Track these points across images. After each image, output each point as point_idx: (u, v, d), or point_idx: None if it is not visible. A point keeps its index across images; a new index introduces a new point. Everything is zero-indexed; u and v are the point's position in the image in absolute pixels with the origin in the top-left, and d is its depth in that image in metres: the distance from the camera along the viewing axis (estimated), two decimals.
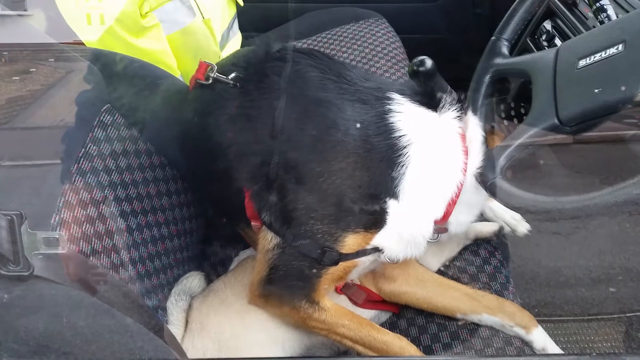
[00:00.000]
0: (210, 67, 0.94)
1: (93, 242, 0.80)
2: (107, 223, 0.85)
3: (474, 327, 0.99)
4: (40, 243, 0.62)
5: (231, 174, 0.88)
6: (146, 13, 1.27)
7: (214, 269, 1.14)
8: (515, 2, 0.99)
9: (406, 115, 0.87)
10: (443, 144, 0.89)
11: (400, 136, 0.85)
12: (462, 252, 1.13)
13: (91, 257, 0.78)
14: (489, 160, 0.83)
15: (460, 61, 1.28)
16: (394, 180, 0.84)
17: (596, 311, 1.36)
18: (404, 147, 0.84)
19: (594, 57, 0.76)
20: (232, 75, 0.91)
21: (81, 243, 0.78)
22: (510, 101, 1.35)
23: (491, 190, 0.81)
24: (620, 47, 0.73)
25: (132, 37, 1.28)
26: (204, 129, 0.94)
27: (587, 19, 1.19)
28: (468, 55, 1.09)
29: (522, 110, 1.24)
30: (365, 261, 0.90)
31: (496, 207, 1.14)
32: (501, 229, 1.11)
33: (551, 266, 1.35)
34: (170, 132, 1.01)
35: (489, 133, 1.00)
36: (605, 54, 0.75)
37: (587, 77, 0.76)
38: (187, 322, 0.94)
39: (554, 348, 0.96)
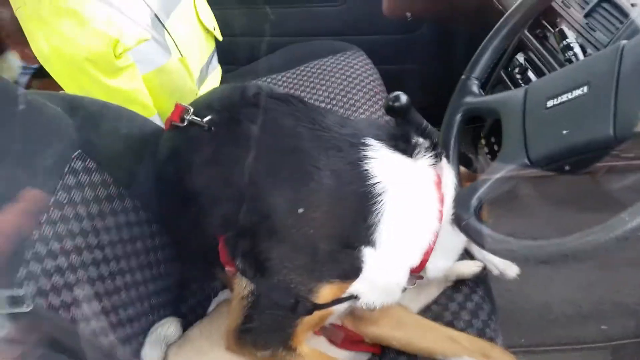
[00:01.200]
0: (185, 109, 0.94)
1: (62, 294, 0.78)
2: (78, 273, 0.83)
3: None
4: (4, 302, 0.60)
5: (204, 219, 0.87)
6: (120, 54, 1.27)
7: (193, 311, 1.11)
8: (485, 41, 1.00)
9: (381, 162, 0.87)
10: (418, 191, 0.89)
11: (374, 183, 0.84)
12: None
13: (60, 311, 0.76)
14: (462, 200, 0.83)
15: (438, 92, 1.29)
16: (368, 228, 0.83)
17: (582, 341, 1.35)
18: (379, 195, 0.84)
19: (561, 98, 0.77)
20: (207, 118, 0.91)
21: (50, 296, 0.76)
22: (483, 137, 1.37)
23: (465, 231, 0.81)
24: (585, 88, 0.74)
25: (106, 77, 1.28)
26: (177, 171, 0.93)
27: (557, 52, 1.21)
28: (445, 86, 1.11)
29: (496, 147, 1.26)
30: (340, 309, 0.89)
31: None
32: (484, 269, 1.10)
33: (537, 299, 1.33)
34: (144, 174, 1.00)
35: (463, 173, 1.00)
36: (571, 95, 0.76)
37: (556, 117, 0.77)
38: None
39: None
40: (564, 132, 0.74)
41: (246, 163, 0.84)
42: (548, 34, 1.28)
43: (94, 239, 0.90)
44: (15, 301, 0.61)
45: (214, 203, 0.86)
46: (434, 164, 0.91)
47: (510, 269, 1.12)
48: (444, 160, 0.92)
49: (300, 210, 0.81)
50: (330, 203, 0.83)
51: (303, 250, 0.82)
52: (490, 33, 0.99)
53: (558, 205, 1.17)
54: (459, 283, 1.12)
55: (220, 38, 1.76)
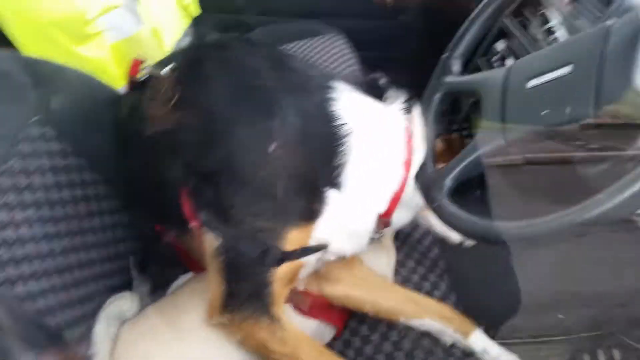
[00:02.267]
0: (142, 62, 0.91)
1: (7, 270, 0.72)
2: (26, 247, 0.77)
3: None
4: None
5: (166, 171, 0.82)
6: (89, 20, 1.21)
7: (151, 295, 1.06)
8: (467, 21, 0.97)
9: (348, 104, 0.84)
10: (386, 135, 0.87)
11: (340, 125, 0.82)
12: (404, 263, 1.12)
13: (2, 287, 0.71)
14: (436, 181, 0.80)
15: (418, 79, 1.26)
16: (334, 169, 0.81)
17: (541, 333, 1.34)
18: (345, 136, 0.81)
19: (543, 78, 0.74)
20: (167, 68, 0.86)
21: None
22: (462, 117, 1.34)
23: (438, 213, 0.78)
24: (568, 68, 0.71)
25: (74, 44, 1.22)
26: (135, 127, 0.88)
27: (538, 40, 1.19)
28: (425, 74, 1.08)
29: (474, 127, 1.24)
30: (311, 260, 0.86)
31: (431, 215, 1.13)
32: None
33: (493, 290, 1.32)
34: (106, 145, 0.94)
35: (439, 151, 0.98)
36: (553, 75, 0.73)
37: (536, 97, 0.74)
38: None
39: (493, 349, 0.96)
40: (543, 112, 0.72)
41: (204, 105, 0.80)
42: (529, 22, 1.25)
43: (48, 212, 0.84)
44: None
45: (174, 151, 0.81)
46: (404, 113, 0.90)
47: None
48: (415, 112, 0.91)
49: (262, 150, 0.78)
50: (294, 142, 0.79)
51: (266, 192, 0.78)
52: (474, 12, 0.96)
53: (522, 194, 1.15)
54: (421, 257, 1.13)
55: (195, 14, 1.70)
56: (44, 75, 0.89)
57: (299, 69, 0.87)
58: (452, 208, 0.77)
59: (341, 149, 0.81)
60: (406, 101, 0.93)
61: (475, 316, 1.07)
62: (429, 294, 1.07)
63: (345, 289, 1.00)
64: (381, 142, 0.86)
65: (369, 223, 0.87)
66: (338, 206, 0.82)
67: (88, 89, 0.97)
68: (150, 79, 0.88)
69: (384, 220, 0.90)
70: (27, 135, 0.83)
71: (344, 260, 0.97)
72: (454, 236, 1.15)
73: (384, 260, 1.10)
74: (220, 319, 0.83)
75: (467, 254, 1.21)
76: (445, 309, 0.99)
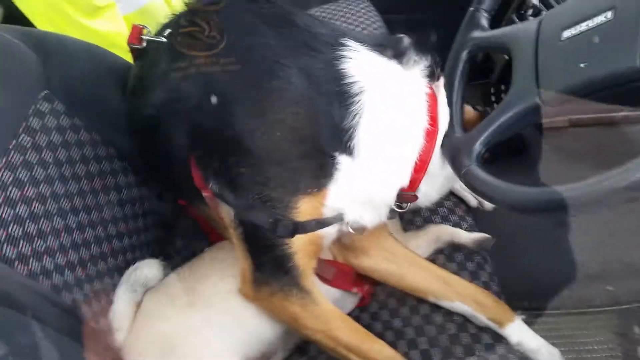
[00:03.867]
0: (142, 28, 0.86)
1: (20, 245, 0.71)
2: (41, 223, 0.76)
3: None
4: None
5: (173, 140, 0.79)
6: None
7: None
8: None
9: (360, 62, 0.77)
10: (404, 98, 0.80)
11: (351, 83, 0.75)
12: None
13: (17, 263, 0.69)
14: (464, 146, 0.74)
15: (446, 42, 1.19)
16: (344, 132, 0.75)
17: (588, 304, 1.28)
18: (356, 95, 0.75)
19: (580, 27, 0.67)
20: (167, 32, 0.83)
21: (5, 247, 0.69)
22: (493, 84, 1.26)
23: (466, 180, 0.73)
24: (609, 14, 0.64)
25: (85, 18, 1.19)
26: (143, 96, 0.85)
27: None
28: (452, 36, 1.01)
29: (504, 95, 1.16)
30: (330, 232, 0.82)
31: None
32: (488, 239, 1.02)
33: (540, 262, 1.26)
34: (118, 119, 0.91)
35: (469, 116, 0.91)
36: (592, 22, 0.65)
37: (572, 49, 0.67)
38: None
39: (530, 342, 0.88)
40: (582, 65, 0.65)
41: (205, 70, 0.75)
42: None
43: (62, 187, 0.82)
44: None
45: (180, 119, 0.78)
46: (428, 77, 0.82)
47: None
48: (441, 81, 0.83)
49: (263, 113, 0.73)
50: (299, 103, 0.74)
51: (272, 159, 0.74)
52: None
53: (571, 157, 1.08)
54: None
55: None
56: (51, 50, 0.87)
57: (304, 26, 0.80)
58: (483, 174, 0.71)
59: (352, 108, 0.74)
60: (430, 66, 0.85)
61: (518, 288, 1.02)
62: (474, 274, 1.00)
63: (371, 262, 0.95)
64: (398, 107, 0.79)
65: (387, 194, 0.81)
66: (351, 174, 0.76)
67: (98, 61, 0.94)
68: (153, 46, 0.85)
69: (408, 194, 0.84)
70: (36, 110, 0.81)
71: (370, 231, 0.92)
72: (473, 200, 1.10)
73: None
74: (250, 292, 0.81)
75: (508, 223, 1.15)
76: (480, 294, 0.90)
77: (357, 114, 0.74)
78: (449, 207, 1.12)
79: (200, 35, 0.78)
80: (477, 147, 0.73)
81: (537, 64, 0.70)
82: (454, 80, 0.85)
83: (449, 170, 0.81)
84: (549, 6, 1.18)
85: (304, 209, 0.75)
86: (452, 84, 0.85)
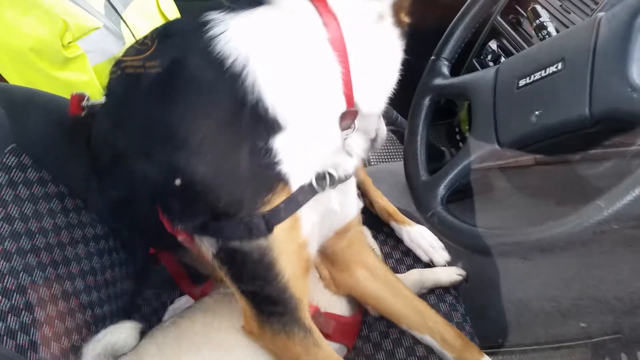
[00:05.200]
0: (80, 97, 0.87)
1: None
2: (6, 280, 0.74)
3: None
4: None
5: (135, 193, 0.78)
6: (69, 44, 1.18)
7: (146, 321, 1.01)
8: (454, 21, 0.94)
9: (231, 33, 0.68)
10: (290, 38, 0.70)
11: (230, 64, 0.67)
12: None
13: None
14: (428, 189, 0.76)
15: (407, 84, 1.23)
16: (257, 113, 0.68)
17: (562, 339, 1.30)
18: (242, 70, 0.67)
19: (534, 77, 0.71)
20: (103, 97, 0.84)
21: None
22: (457, 125, 1.30)
23: (432, 223, 0.74)
24: (560, 65, 0.68)
25: (53, 69, 1.19)
26: (99, 154, 0.86)
27: (531, 37, 1.16)
28: (414, 78, 1.05)
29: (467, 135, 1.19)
30: (311, 216, 0.77)
31: (413, 232, 1.09)
32: (463, 280, 1.05)
33: (513, 297, 1.28)
34: (82, 166, 0.90)
35: None
36: (544, 72, 0.69)
37: (527, 97, 0.71)
38: None
39: None
40: (536, 113, 0.68)
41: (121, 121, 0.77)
42: (521, 19, 1.22)
43: (28, 243, 0.81)
44: None
45: (131, 174, 0.77)
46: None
47: (439, 254, 1.08)
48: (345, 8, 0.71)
49: (187, 141, 0.69)
50: (205, 114, 0.69)
51: (217, 175, 0.70)
52: (460, 11, 0.93)
53: (531, 196, 1.11)
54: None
55: None
56: (17, 103, 0.87)
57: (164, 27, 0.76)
58: (449, 217, 0.73)
59: (244, 87, 0.66)
60: None
61: (491, 326, 1.03)
62: (447, 315, 1.02)
63: (352, 280, 0.95)
64: (288, 51, 0.69)
65: (333, 129, 0.73)
66: (291, 144, 0.70)
67: (64, 113, 0.94)
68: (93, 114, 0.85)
69: (349, 113, 0.74)
70: (1, 165, 0.80)
71: (356, 244, 0.93)
72: (424, 256, 1.11)
73: None
74: (255, 330, 0.80)
75: (478, 260, 1.18)
76: (449, 332, 0.91)
77: (252, 90, 0.67)
78: (414, 256, 1.14)
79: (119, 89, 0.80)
80: (442, 190, 0.76)
81: (495, 111, 0.73)
82: (418, 125, 0.88)
83: (376, 62, 0.74)
84: (506, 51, 1.25)
85: (271, 200, 0.71)
86: (415, 129, 0.88)
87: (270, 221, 0.71)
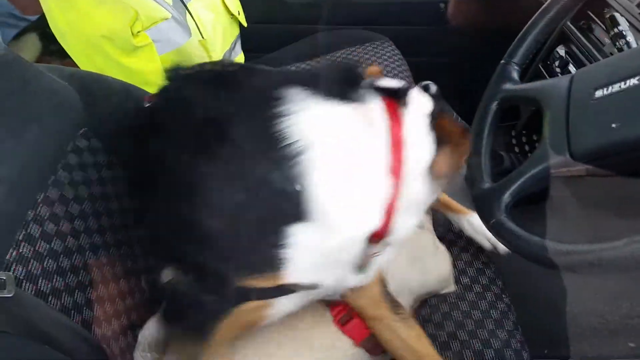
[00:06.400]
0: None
1: (54, 280, 0.73)
2: (74, 258, 0.78)
3: None
4: None
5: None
6: (138, 32, 1.22)
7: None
8: (527, 25, 0.92)
9: (302, 116, 0.67)
10: (355, 142, 0.69)
11: (289, 144, 0.65)
12: (458, 280, 1.07)
13: (50, 298, 0.71)
14: (493, 196, 0.75)
15: (470, 88, 1.21)
16: (292, 198, 0.66)
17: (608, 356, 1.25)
18: (296, 156, 0.65)
19: (612, 88, 0.68)
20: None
21: (40, 281, 0.71)
22: (515, 135, 1.27)
23: (495, 230, 0.73)
24: None
25: (122, 56, 1.23)
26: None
27: (603, 45, 1.11)
28: (477, 82, 1.03)
29: (527, 147, 1.16)
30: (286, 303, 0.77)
31: (476, 221, 1.07)
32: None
33: (562, 310, 1.24)
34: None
35: None
36: (624, 85, 0.67)
37: (604, 109, 0.68)
38: None
39: None
40: (613, 125, 0.66)
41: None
42: (593, 26, 1.18)
43: (95, 223, 0.84)
44: None
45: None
46: (396, 102, 0.72)
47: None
48: (414, 93, 0.74)
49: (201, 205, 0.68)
50: (239, 189, 0.67)
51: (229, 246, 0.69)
52: (535, 15, 0.90)
53: (586, 207, 1.07)
54: (485, 289, 1.04)
55: (244, 24, 1.70)
56: (90, 88, 0.90)
57: (233, 85, 0.74)
58: (513, 226, 0.72)
59: (295, 171, 0.65)
60: (397, 92, 0.74)
61: (540, 337, 1.01)
62: (498, 323, 1.00)
63: (359, 301, 0.89)
64: (348, 155, 0.69)
65: (355, 248, 0.73)
66: (310, 238, 0.68)
67: (135, 101, 0.97)
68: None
69: (380, 237, 0.74)
70: (74, 147, 0.84)
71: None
72: (487, 243, 1.09)
73: (442, 264, 1.06)
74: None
75: (528, 270, 1.15)
76: None
77: (302, 176, 0.66)
78: (467, 260, 1.12)
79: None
80: (507, 198, 0.74)
81: (569, 120, 0.71)
82: (483, 130, 0.86)
83: (420, 195, 0.74)
84: (575, 58, 1.21)
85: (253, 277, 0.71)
86: (481, 134, 0.86)
87: (246, 296, 0.72)
